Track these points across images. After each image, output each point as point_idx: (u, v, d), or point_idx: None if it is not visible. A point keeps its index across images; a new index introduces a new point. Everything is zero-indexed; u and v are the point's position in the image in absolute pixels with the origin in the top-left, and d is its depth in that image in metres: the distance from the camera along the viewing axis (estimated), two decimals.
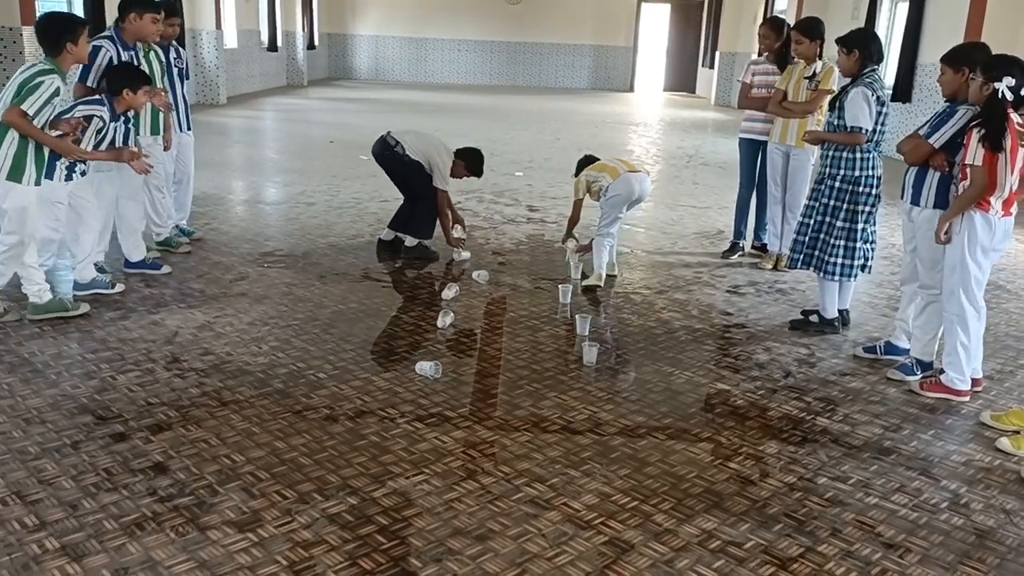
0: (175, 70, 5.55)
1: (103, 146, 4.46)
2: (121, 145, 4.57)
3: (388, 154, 5.69)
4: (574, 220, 5.70)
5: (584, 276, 5.38)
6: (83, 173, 4.46)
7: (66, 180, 4.32)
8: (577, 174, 5.68)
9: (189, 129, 5.78)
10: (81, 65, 4.61)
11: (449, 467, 3.06)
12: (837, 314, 4.61)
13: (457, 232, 5.93)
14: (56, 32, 4.07)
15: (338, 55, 23.50)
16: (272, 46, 18.48)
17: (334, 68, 23.51)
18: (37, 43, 4.13)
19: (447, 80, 23.23)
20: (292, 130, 12.81)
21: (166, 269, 5.17)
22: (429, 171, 5.63)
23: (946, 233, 3.68)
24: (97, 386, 3.60)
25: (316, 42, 21.63)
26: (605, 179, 5.35)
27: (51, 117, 4.06)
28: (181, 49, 5.75)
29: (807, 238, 4.52)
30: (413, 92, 19.76)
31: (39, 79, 3.94)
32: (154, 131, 5.22)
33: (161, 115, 5.23)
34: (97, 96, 4.56)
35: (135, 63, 4.90)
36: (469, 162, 5.77)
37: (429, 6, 22.69)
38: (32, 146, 4.02)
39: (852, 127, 4.27)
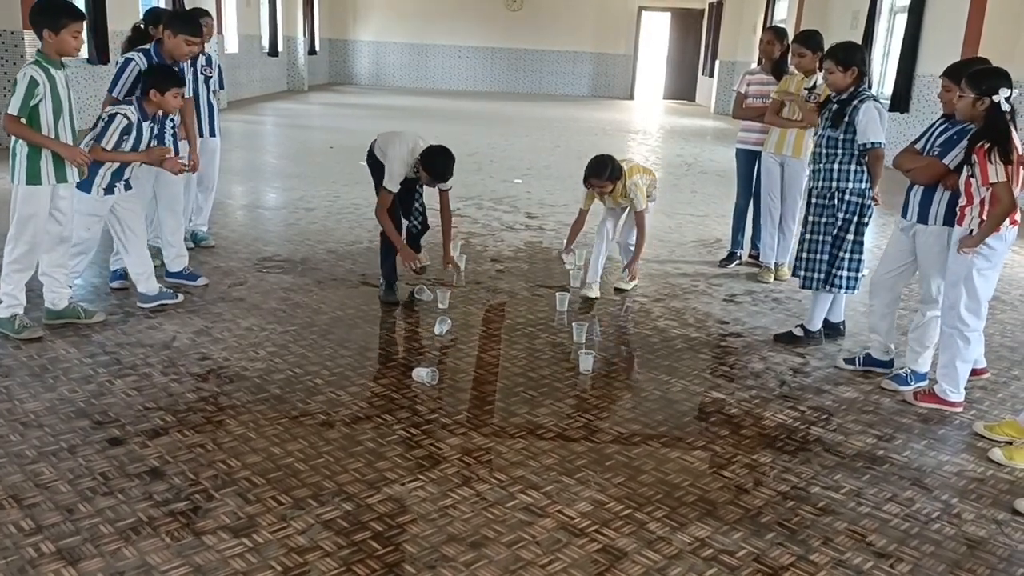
0: (201, 77, 5.59)
1: (127, 148, 4.33)
2: (161, 148, 4.51)
3: (370, 156, 4.99)
4: (645, 238, 5.30)
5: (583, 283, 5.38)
6: (128, 186, 4.47)
7: (106, 193, 4.36)
8: (606, 177, 4.99)
9: (214, 135, 5.85)
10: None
11: (444, 473, 3.08)
12: (821, 326, 4.62)
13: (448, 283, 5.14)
14: (37, 17, 3.90)
15: (339, 60, 23.58)
16: (273, 51, 18.55)
17: (335, 73, 23.57)
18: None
19: (447, 86, 23.29)
20: (292, 135, 12.85)
21: (203, 280, 5.12)
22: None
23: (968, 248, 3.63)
24: (94, 391, 3.61)
25: (317, 47, 21.71)
26: (652, 179, 5.34)
27: (53, 110, 3.93)
28: (212, 56, 5.79)
29: (822, 255, 4.41)
30: (413, 98, 19.81)
31: (18, 75, 3.89)
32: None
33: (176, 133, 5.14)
34: (128, 98, 4.53)
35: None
36: (424, 162, 4.68)
37: (430, 12, 22.77)
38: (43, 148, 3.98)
39: (873, 142, 4.22)
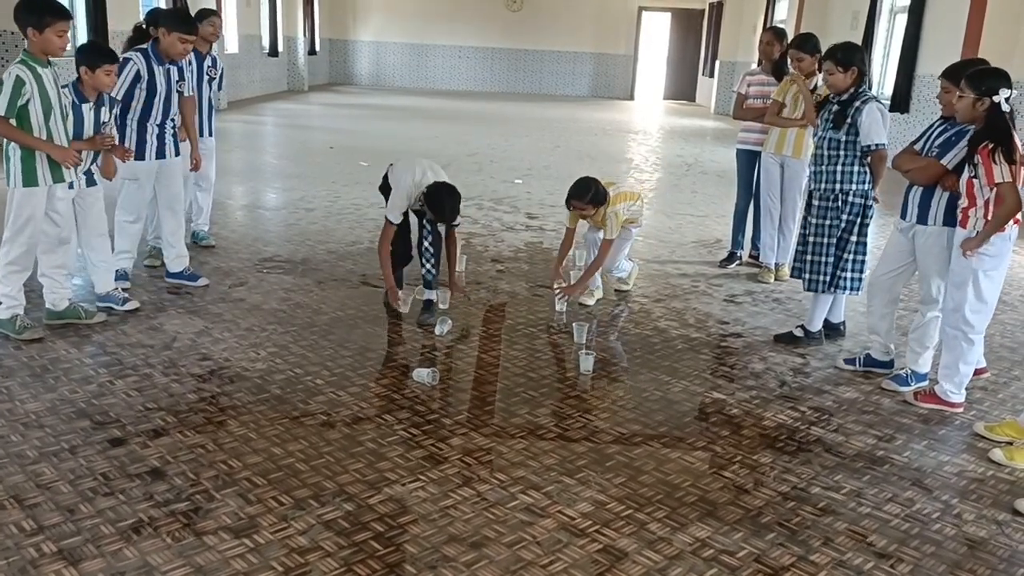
0: (206, 77, 5.59)
1: (70, 132, 4.10)
2: (103, 134, 4.29)
3: (383, 181, 4.93)
4: (600, 264, 5.00)
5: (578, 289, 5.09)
6: (91, 181, 4.32)
7: (69, 187, 4.28)
8: (588, 201, 4.77)
9: (211, 135, 5.84)
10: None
11: (445, 474, 3.08)
12: (821, 327, 4.63)
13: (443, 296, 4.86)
14: (22, 15, 3.83)
15: (339, 61, 23.58)
16: (273, 51, 18.55)
17: (335, 73, 23.58)
18: None
19: (448, 86, 23.30)
20: (292, 135, 12.84)
21: (203, 281, 5.10)
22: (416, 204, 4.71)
23: (971, 251, 3.61)
24: (95, 391, 3.62)
25: (317, 47, 21.71)
26: (639, 206, 5.15)
27: (43, 109, 3.88)
28: (217, 58, 5.77)
29: (826, 258, 4.39)
30: (414, 98, 19.81)
31: (4, 75, 3.83)
32: (159, 155, 4.96)
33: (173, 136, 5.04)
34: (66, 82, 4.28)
35: (174, 76, 4.84)
36: (427, 199, 4.53)
37: (430, 12, 22.78)
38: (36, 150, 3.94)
39: (877, 144, 4.23)
